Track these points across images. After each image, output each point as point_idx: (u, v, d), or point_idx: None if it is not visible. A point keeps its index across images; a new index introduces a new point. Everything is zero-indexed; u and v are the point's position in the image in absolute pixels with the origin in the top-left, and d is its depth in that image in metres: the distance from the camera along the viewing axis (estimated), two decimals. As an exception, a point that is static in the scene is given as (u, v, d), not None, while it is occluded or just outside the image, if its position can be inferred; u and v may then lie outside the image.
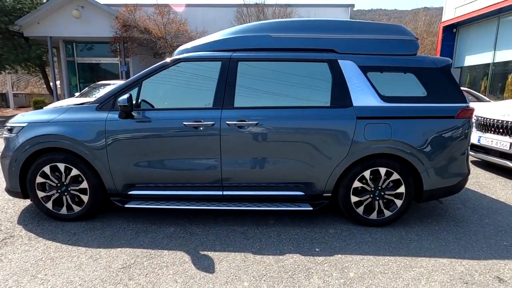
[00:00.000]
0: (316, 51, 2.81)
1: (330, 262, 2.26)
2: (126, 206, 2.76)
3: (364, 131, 2.61)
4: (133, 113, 2.69)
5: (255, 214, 3.04)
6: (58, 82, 14.88)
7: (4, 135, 2.89)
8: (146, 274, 2.10)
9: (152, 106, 2.80)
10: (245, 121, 2.62)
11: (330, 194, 2.79)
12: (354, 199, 2.76)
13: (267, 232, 2.72)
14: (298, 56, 2.76)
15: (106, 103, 2.74)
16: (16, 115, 3.08)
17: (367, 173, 2.71)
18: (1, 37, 12.48)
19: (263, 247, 2.47)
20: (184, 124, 2.63)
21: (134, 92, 2.73)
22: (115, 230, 2.72)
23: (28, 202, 3.27)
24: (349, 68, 2.72)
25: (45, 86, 16.35)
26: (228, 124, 2.62)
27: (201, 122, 2.63)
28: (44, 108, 7.00)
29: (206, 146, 2.66)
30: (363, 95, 2.67)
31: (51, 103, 11.77)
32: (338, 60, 2.74)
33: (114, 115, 2.69)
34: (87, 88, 8.37)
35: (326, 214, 3.06)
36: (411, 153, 2.63)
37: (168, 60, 2.81)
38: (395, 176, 2.70)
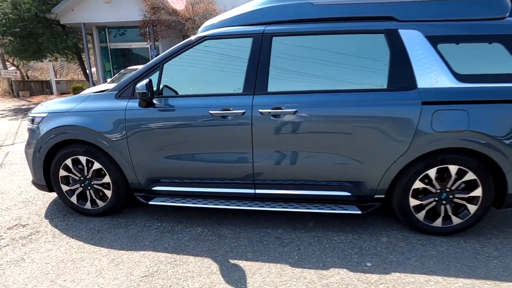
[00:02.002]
0: (370, 19, 2.25)
1: (387, 283, 1.83)
2: (150, 203, 2.53)
3: (432, 119, 2.07)
4: (154, 101, 2.39)
5: (290, 214, 2.67)
6: (94, 69, 15.36)
7: (27, 126, 2.77)
8: (170, 286, 1.85)
9: (176, 93, 2.48)
10: (281, 109, 2.20)
11: (383, 196, 2.31)
12: (413, 202, 2.26)
13: (306, 237, 2.34)
14: (347, 28, 2.23)
15: (125, 90, 2.47)
16: None
17: (432, 172, 2.18)
18: (40, 26, 12.98)
19: (302, 257, 2.10)
20: (210, 113, 2.28)
21: (154, 77, 2.42)
22: (139, 229, 2.51)
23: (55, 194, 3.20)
24: (413, 39, 2.14)
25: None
26: (261, 113, 2.22)
27: (230, 110, 2.25)
28: (78, 94, 7.11)
29: (236, 138, 2.29)
30: (431, 74, 2.10)
31: (87, 88, 12.15)
32: (399, 30, 2.17)
33: (134, 104, 2.41)
34: (117, 74, 8.38)
35: (375, 217, 2.60)
36: (494, 147, 2.05)
37: (192, 38, 2.43)
38: (470, 175, 2.14)
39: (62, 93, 18.88)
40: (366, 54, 2.22)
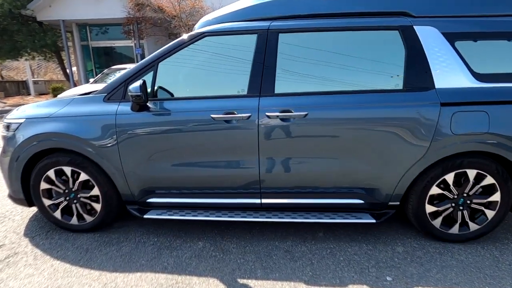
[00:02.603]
0: (383, 15, 2.11)
1: (413, 301, 1.70)
2: (145, 217, 2.29)
3: (451, 121, 1.95)
4: (149, 104, 2.15)
5: (298, 224, 2.50)
6: (74, 68, 14.68)
7: (1, 133, 2.45)
8: (173, 315, 1.64)
9: (172, 95, 2.25)
10: (291, 112, 2.02)
11: (397, 203, 2.18)
12: (429, 208, 2.14)
13: (318, 249, 2.18)
14: (359, 24, 2.08)
15: (115, 92, 2.21)
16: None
17: (449, 177, 2.07)
18: (15, 22, 12.23)
19: (317, 273, 1.94)
20: (212, 117, 2.06)
21: (148, 78, 2.18)
22: (133, 246, 2.27)
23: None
24: (429, 36, 2.01)
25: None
26: (268, 116, 2.03)
27: (234, 114, 2.05)
28: (58, 96, 6.65)
29: (240, 144, 2.10)
30: (449, 73, 1.98)
31: (68, 89, 11.56)
32: (414, 26, 2.03)
33: (126, 107, 2.16)
34: (100, 74, 7.95)
35: (387, 224, 2.47)
36: (515, 150, 1.95)
37: (189, 34, 2.21)
38: (489, 180, 2.04)
39: (40, 94, 17.99)
40: (379, 52, 2.08)
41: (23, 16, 12.18)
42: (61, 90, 13.28)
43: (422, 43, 2.01)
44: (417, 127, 1.97)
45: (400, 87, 2.02)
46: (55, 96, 12.20)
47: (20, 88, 19.23)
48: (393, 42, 2.05)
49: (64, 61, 14.43)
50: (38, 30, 12.67)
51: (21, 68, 23.31)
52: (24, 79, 19.73)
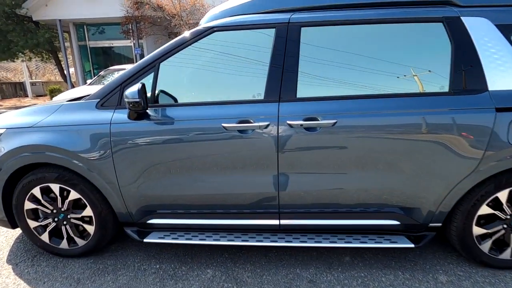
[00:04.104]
0: (425, 4, 1.80)
1: None
2: (145, 241, 1.98)
3: (509, 130, 1.64)
4: (149, 111, 1.84)
5: (320, 246, 2.19)
6: (72, 69, 14.35)
7: (-21, 145, 2.13)
8: None
9: (175, 100, 1.93)
10: (317, 120, 1.71)
11: (439, 224, 1.87)
12: (477, 231, 1.84)
13: (347, 279, 1.87)
14: (395, 15, 1.77)
15: (110, 97, 1.90)
16: (33, 104, 2.30)
17: (503, 194, 1.76)
18: (10, 22, 11.88)
19: (350, 311, 1.63)
20: (224, 127, 1.75)
21: (148, 80, 1.87)
22: (132, 275, 1.96)
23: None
24: (480, 29, 1.70)
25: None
26: (289, 125, 1.72)
27: (249, 122, 1.74)
28: (54, 99, 6.32)
29: (257, 158, 1.79)
30: (505, 73, 1.67)
31: (66, 91, 11.25)
32: (462, 18, 1.72)
33: (122, 115, 1.85)
34: (96, 76, 7.61)
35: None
36: None
37: (196, 29, 1.90)
38: (549, 198, 1.74)
39: (37, 96, 17.70)
40: (420, 49, 1.77)
41: (18, 16, 11.84)
42: (58, 91, 12.97)
43: (471, 37, 1.70)
44: (467, 137, 1.66)
45: (446, 89, 1.71)
46: (52, 98, 11.89)
47: (17, 90, 18.91)
48: (436, 37, 1.74)
49: (62, 62, 14.08)
50: (33, 30, 12.32)
51: (19, 70, 22.98)
52: (21, 81, 19.40)
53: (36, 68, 25.57)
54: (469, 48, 1.69)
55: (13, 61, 15.46)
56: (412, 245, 1.84)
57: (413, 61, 1.76)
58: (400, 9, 1.78)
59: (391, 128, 1.71)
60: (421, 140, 1.69)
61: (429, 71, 1.75)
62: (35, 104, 12.45)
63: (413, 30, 1.77)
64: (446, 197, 1.76)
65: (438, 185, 1.74)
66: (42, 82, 20.33)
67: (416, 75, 1.75)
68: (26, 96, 17.63)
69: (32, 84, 18.09)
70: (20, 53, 12.87)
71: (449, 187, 1.74)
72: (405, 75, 1.75)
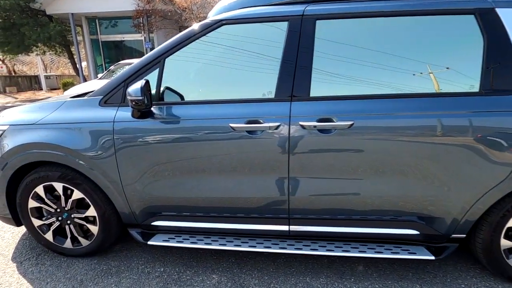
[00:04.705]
0: (455, -5, 1.63)
1: None
2: (149, 243, 1.91)
3: (547, 136, 1.47)
4: (153, 110, 1.75)
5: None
6: (85, 63, 14.50)
7: (-16, 141, 2.10)
8: None
9: (182, 98, 1.84)
10: (332, 121, 1.58)
11: (463, 235, 1.73)
12: (506, 243, 1.69)
13: (360, 290, 1.76)
14: (421, 7, 1.61)
15: (113, 94, 1.82)
16: (47, 97, 2.25)
17: (535, 205, 1.60)
18: (24, 16, 12.04)
19: (364, 327, 1.52)
20: (231, 127, 1.65)
21: (153, 77, 1.77)
22: (135, 278, 1.90)
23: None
24: (518, 22, 1.53)
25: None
26: (302, 126, 1.60)
27: (259, 123, 1.63)
28: (65, 92, 6.34)
29: (266, 160, 1.68)
30: (545, 71, 1.50)
31: (77, 84, 11.37)
32: (496, 9, 1.55)
33: (126, 113, 1.77)
34: (106, 71, 7.60)
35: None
36: None
37: (204, 22, 1.79)
38: None
39: (52, 89, 18.03)
40: (448, 44, 1.60)
41: (32, 9, 11.99)
42: (71, 85, 13.15)
43: (507, 31, 1.53)
44: (499, 141, 1.51)
45: (476, 89, 1.55)
46: (64, 91, 12.04)
47: (32, 83, 19.32)
48: (467, 30, 1.57)
49: (74, 56, 14.24)
50: (46, 24, 12.46)
51: (34, 63, 23.46)
52: (36, 74, 19.79)
53: (51, 61, 26.05)
54: (504, 43, 1.52)
55: (28, 55, 15.75)
56: (433, 258, 1.70)
57: (439, 58, 1.59)
58: (426, 0, 1.62)
59: (413, 131, 1.56)
60: (448, 144, 1.54)
61: (457, 69, 1.59)
62: (49, 97, 12.67)
63: (441, 23, 1.61)
64: (472, 206, 1.62)
65: (465, 193, 1.60)
66: (56, 75, 20.71)
67: (441, 72, 1.60)
68: (41, 89, 17.98)
69: (47, 77, 18.43)
70: (34, 47, 13.05)
71: (477, 196, 1.59)
72: (430, 72, 1.60)
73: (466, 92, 1.56)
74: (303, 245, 1.83)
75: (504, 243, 1.69)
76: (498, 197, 1.58)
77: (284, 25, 1.69)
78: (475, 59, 1.56)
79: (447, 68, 1.59)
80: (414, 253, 1.73)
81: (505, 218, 1.63)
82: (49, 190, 1.97)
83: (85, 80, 13.05)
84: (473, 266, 1.92)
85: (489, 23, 1.54)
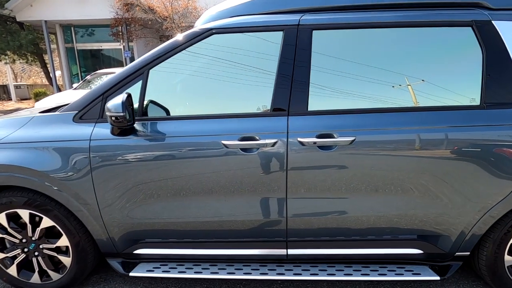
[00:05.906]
0: (451, 7, 1.60)
1: None
2: (131, 274, 1.70)
3: (549, 149, 1.45)
4: (136, 126, 1.58)
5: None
6: (59, 72, 13.85)
7: None
8: None
9: (167, 112, 1.68)
10: (333, 137, 1.48)
11: (467, 253, 1.66)
12: (510, 260, 1.64)
13: (364, 317, 1.63)
14: (418, 18, 1.56)
15: (90, 109, 1.63)
16: (19, 109, 1.98)
17: (539, 220, 1.56)
18: (-8, 23, 11.37)
19: None
20: (224, 144, 1.51)
21: (135, 90, 1.61)
22: (115, 316, 1.68)
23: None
24: (514, 35, 1.52)
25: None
26: (301, 143, 1.49)
27: (254, 140, 1.50)
28: (36, 103, 5.93)
29: (262, 180, 1.54)
30: (543, 84, 1.48)
31: (51, 94, 10.78)
32: (493, 22, 1.53)
33: (104, 130, 1.58)
34: (81, 81, 7.23)
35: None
36: None
37: (193, 31, 1.66)
38: None
39: (22, 99, 17.03)
40: (446, 56, 1.56)
41: (1, 16, 11.34)
42: (44, 95, 12.47)
43: (505, 43, 1.51)
44: (503, 155, 1.47)
45: (477, 102, 1.51)
46: (37, 101, 11.39)
47: (0, 93, 18.17)
48: (465, 43, 1.54)
49: (48, 65, 13.56)
50: (17, 31, 11.81)
51: (3, 72, 22.21)
52: (5, 83, 18.67)
53: (22, 70, 24.77)
54: (502, 55, 1.50)
55: (-4, 63, 14.85)
56: (438, 278, 1.62)
57: (439, 72, 1.55)
58: (424, 12, 1.58)
59: (416, 145, 1.49)
60: (449, 159, 1.49)
61: (457, 82, 1.55)
62: (19, 108, 11.90)
63: (439, 35, 1.57)
64: (477, 223, 1.56)
65: (470, 210, 1.54)
66: (27, 85, 19.63)
67: (442, 85, 1.55)
68: (10, 99, 16.93)
69: (17, 87, 17.40)
70: (3, 55, 12.30)
71: (482, 212, 1.53)
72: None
73: (468, 106, 1.52)
74: (302, 270, 1.70)
75: (508, 259, 1.64)
76: (502, 213, 1.53)
77: (279, 35, 1.58)
78: (475, 71, 1.53)
79: (456, 81, 1.55)
80: (418, 274, 1.64)
81: (509, 234, 1.59)
82: (13, 218, 1.72)
83: (59, 90, 12.42)
84: (475, 284, 1.86)
85: (486, 35, 1.52)
